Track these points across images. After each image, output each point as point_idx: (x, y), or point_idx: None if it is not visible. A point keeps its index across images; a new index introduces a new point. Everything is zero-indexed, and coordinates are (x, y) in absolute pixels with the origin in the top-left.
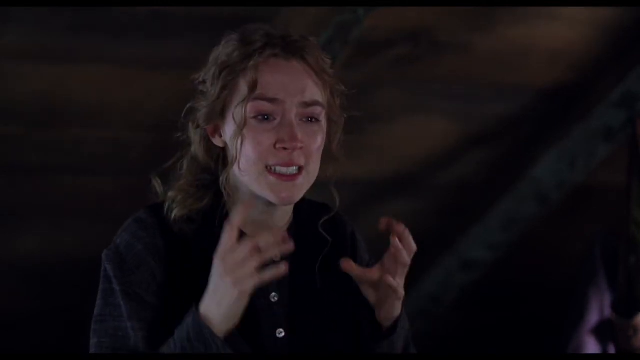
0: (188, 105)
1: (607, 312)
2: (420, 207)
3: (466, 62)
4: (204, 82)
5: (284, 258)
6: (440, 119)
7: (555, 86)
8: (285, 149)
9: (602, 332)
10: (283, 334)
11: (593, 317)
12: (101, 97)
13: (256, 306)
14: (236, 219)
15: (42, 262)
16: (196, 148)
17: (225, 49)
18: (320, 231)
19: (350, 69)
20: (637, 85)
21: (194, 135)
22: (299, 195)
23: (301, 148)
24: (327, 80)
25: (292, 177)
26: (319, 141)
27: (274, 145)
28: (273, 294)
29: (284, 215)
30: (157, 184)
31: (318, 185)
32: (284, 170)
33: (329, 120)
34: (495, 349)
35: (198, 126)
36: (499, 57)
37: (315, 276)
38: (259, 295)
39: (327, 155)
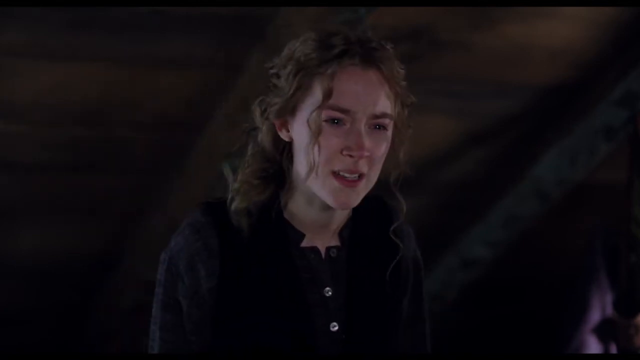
0: (260, 99)
1: (609, 310)
2: (421, 205)
3: (467, 61)
4: (278, 76)
5: (340, 253)
6: (441, 116)
7: (556, 84)
8: (351, 156)
9: (604, 331)
10: (337, 327)
11: (594, 316)
12: (101, 96)
13: (309, 300)
14: None
15: (42, 260)
16: (263, 138)
17: (303, 47)
18: (392, 237)
19: None
20: (638, 84)
21: (262, 126)
22: (356, 201)
23: (367, 156)
24: (399, 92)
25: (353, 183)
26: (383, 149)
27: (341, 152)
28: (327, 288)
29: (341, 216)
30: (227, 171)
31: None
32: (347, 175)
33: (395, 128)
34: (496, 346)
35: (267, 118)
36: (499, 56)
37: (370, 271)
38: (312, 290)
39: (392, 162)
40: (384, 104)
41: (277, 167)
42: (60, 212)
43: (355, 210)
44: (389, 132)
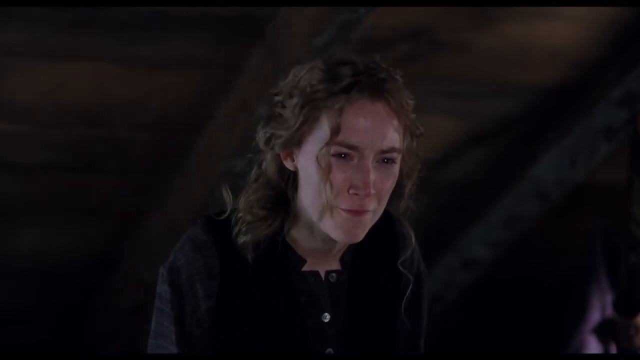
0: (265, 131)
1: (609, 311)
2: (421, 205)
3: (467, 61)
4: (283, 105)
5: (340, 277)
6: (441, 116)
7: (556, 84)
8: (357, 194)
9: (604, 331)
10: (332, 352)
11: (594, 316)
12: (101, 96)
13: (307, 325)
14: None
15: (42, 260)
16: (267, 167)
17: (309, 77)
18: (400, 269)
19: None
20: (638, 84)
21: (267, 154)
22: (362, 234)
23: (373, 194)
24: (408, 124)
25: (359, 214)
26: (390, 184)
27: (348, 190)
28: (325, 314)
29: (344, 245)
30: (227, 195)
31: None
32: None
33: (403, 160)
34: (496, 346)
35: (272, 148)
36: (499, 56)
37: (370, 296)
38: (311, 315)
39: (400, 194)
40: (393, 138)
41: (281, 195)
42: (60, 212)
43: None
44: (397, 165)
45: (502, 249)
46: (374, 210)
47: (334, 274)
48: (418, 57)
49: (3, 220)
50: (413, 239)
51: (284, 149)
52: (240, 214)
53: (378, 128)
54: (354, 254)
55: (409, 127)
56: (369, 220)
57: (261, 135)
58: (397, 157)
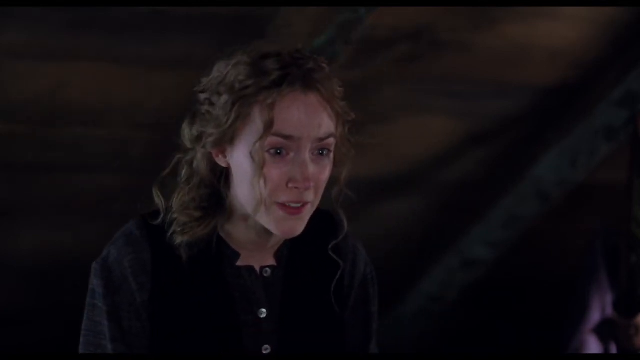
0: (193, 125)
1: (609, 311)
2: (421, 206)
3: (467, 61)
4: (211, 103)
5: (276, 272)
6: (441, 117)
7: (556, 84)
8: (296, 187)
9: (604, 331)
10: (269, 350)
11: (594, 316)
12: (101, 96)
13: (241, 321)
14: None
15: (42, 260)
16: (199, 164)
17: (236, 72)
18: (331, 254)
19: (351, 68)
20: (638, 84)
21: (197, 152)
22: (301, 228)
23: (312, 186)
24: (340, 112)
25: (298, 210)
26: (327, 174)
27: (286, 184)
28: (262, 309)
29: (279, 238)
30: (157, 196)
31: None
32: (292, 204)
33: (336, 147)
34: (496, 346)
35: (204, 147)
36: (499, 56)
37: (307, 292)
38: (246, 311)
39: (332, 180)
40: (328, 125)
41: (215, 193)
42: (60, 212)
43: None
44: (332, 155)
45: (502, 249)
46: (312, 203)
47: (268, 269)
48: (418, 57)
49: (3, 220)
50: (346, 225)
51: (216, 146)
52: (174, 215)
53: (313, 117)
54: (290, 249)
55: (341, 114)
56: (308, 213)
57: (188, 134)
58: (333, 143)
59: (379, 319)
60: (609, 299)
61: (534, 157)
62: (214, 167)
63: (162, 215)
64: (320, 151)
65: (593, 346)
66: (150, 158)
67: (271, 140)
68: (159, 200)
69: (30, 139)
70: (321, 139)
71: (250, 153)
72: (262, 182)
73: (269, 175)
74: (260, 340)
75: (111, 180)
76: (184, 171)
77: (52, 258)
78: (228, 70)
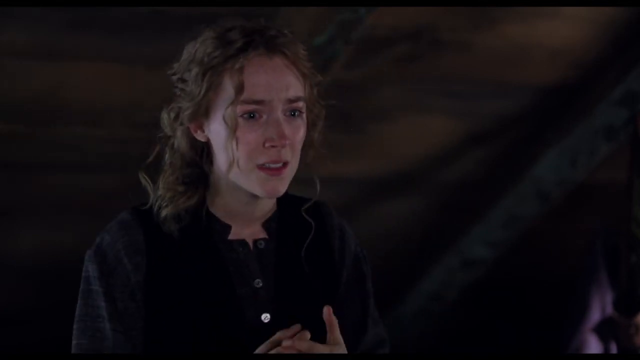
0: (171, 106)
1: (609, 310)
2: (421, 206)
3: (467, 61)
4: (183, 80)
5: (268, 245)
6: (442, 117)
7: (556, 84)
8: (274, 146)
9: (604, 330)
10: (269, 318)
11: (594, 316)
12: (101, 95)
13: (238, 293)
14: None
15: (42, 260)
16: (179, 143)
17: (204, 48)
18: (304, 215)
19: (351, 67)
20: (638, 84)
21: (177, 132)
22: (284, 187)
23: (288, 144)
24: (307, 73)
25: (278, 171)
26: (301, 134)
27: (263, 144)
28: (257, 280)
29: (266, 206)
30: (144, 178)
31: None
32: (272, 165)
33: (308, 110)
34: (496, 346)
35: (182, 124)
36: (499, 56)
37: (299, 262)
38: (241, 283)
39: (307, 144)
40: (296, 87)
41: (198, 170)
42: (60, 212)
43: (280, 202)
44: (304, 115)
45: (502, 249)
46: (290, 162)
47: (262, 242)
48: (418, 57)
49: (3, 220)
50: (318, 189)
51: (193, 120)
52: (159, 193)
53: (280, 80)
54: (278, 222)
55: (308, 76)
56: (288, 173)
57: (166, 118)
58: (303, 106)
59: (379, 318)
60: (609, 298)
61: (534, 157)
62: (193, 143)
63: (151, 199)
64: (292, 112)
65: (593, 346)
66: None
67: (243, 106)
68: (145, 182)
69: (30, 139)
70: (290, 100)
71: (224, 117)
72: (234, 144)
73: (246, 138)
74: (259, 310)
75: (111, 180)
76: (167, 155)
77: (52, 258)
78: (196, 47)
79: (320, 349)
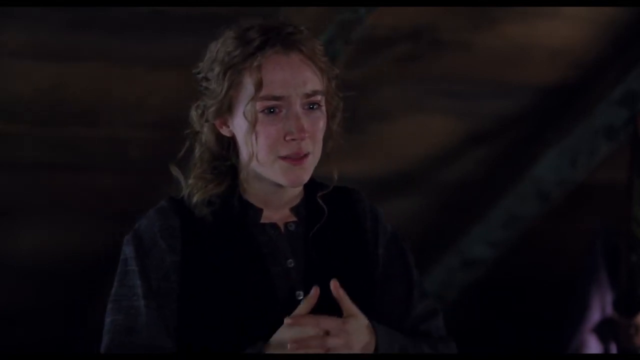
0: (196, 104)
1: (609, 310)
2: (421, 205)
3: (467, 61)
4: (207, 79)
5: (298, 227)
6: (442, 117)
7: (556, 84)
8: (293, 139)
9: (604, 330)
10: (302, 296)
11: (595, 316)
12: (101, 95)
13: (271, 272)
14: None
15: (42, 260)
16: (207, 139)
17: (224, 47)
18: (323, 201)
19: (351, 68)
20: (638, 84)
21: (203, 129)
22: (307, 177)
23: (308, 137)
24: (324, 68)
25: (300, 161)
26: (321, 125)
27: (284, 138)
28: (289, 260)
29: (293, 192)
30: (175, 171)
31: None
32: (294, 157)
33: (327, 102)
34: (497, 346)
35: (207, 120)
36: (500, 56)
37: (329, 243)
38: (274, 263)
39: (326, 135)
40: (313, 81)
41: (227, 163)
42: (60, 212)
43: (307, 188)
44: (323, 108)
45: (502, 249)
46: (312, 152)
47: (292, 224)
48: (418, 57)
49: (3, 220)
50: (336, 175)
51: (217, 116)
52: (191, 182)
53: (297, 75)
54: (306, 207)
55: (325, 70)
56: (310, 163)
57: (194, 115)
58: (321, 99)
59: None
60: (609, 298)
61: (534, 157)
62: (219, 138)
63: (184, 190)
64: (311, 105)
65: (593, 346)
66: (150, 157)
67: (262, 102)
68: (177, 174)
69: (30, 139)
70: (308, 95)
71: (244, 113)
72: (254, 138)
73: (267, 132)
74: (292, 288)
75: (111, 180)
76: (196, 150)
77: (52, 258)
78: (218, 47)
79: (333, 323)
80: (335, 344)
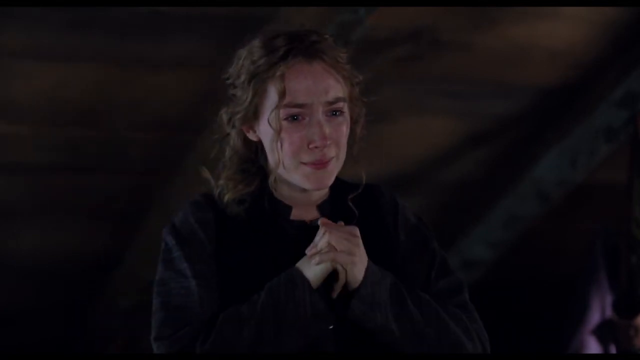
0: (223, 110)
1: (608, 312)
2: (421, 206)
3: (467, 61)
4: (234, 86)
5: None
6: (442, 117)
7: (556, 85)
8: (317, 147)
9: (604, 332)
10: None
11: (594, 317)
12: (101, 96)
13: None
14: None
15: (42, 260)
16: (235, 143)
17: (250, 56)
18: (350, 205)
19: None
20: (638, 84)
21: (232, 133)
22: (330, 181)
23: (330, 143)
24: (346, 76)
25: (324, 165)
26: (344, 131)
27: (307, 145)
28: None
29: (321, 193)
30: (205, 172)
31: None
32: (317, 163)
33: (350, 108)
34: (496, 347)
35: (234, 126)
36: (500, 56)
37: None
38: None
39: (352, 138)
40: (335, 89)
41: (254, 165)
42: (60, 213)
43: (332, 187)
44: (346, 114)
45: (503, 249)
46: (336, 156)
47: (317, 221)
48: (418, 58)
49: (3, 220)
50: (364, 178)
51: (244, 123)
52: (221, 182)
53: (319, 83)
54: (332, 205)
55: (347, 77)
56: (334, 166)
57: (224, 118)
58: (344, 106)
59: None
60: (608, 300)
61: (534, 158)
62: (247, 142)
63: (215, 190)
64: (334, 113)
65: (593, 347)
66: (150, 158)
67: (286, 110)
68: (207, 175)
69: (30, 139)
70: (330, 103)
71: (268, 121)
72: (279, 145)
73: (291, 139)
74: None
75: (111, 181)
76: (226, 152)
77: (52, 258)
78: (245, 55)
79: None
80: (358, 242)
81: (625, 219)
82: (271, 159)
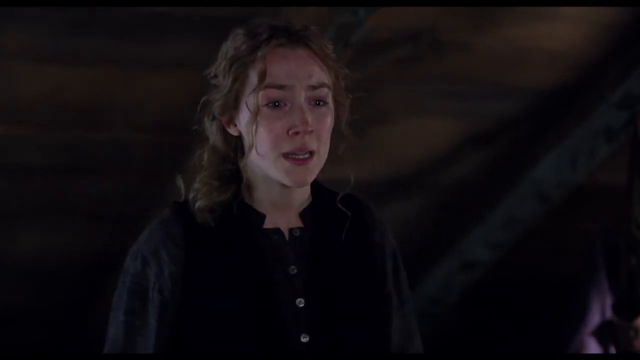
0: (203, 99)
1: (608, 313)
2: (421, 207)
3: (467, 62)
4: (215, 76)
5: (304, 233)
6: (442, 118)
7: (556, 86)
8: (297, 133)
9: (603, 333)
10: (303, 303)
11: (594, 318)
12: (102, 97)
13: (273, 279)
14: None
15: (42, 260)
16: (214, 139)
17: (233, 43)
18: (339, 206)
19: (351, 69)
20: (638, 86)
21: (211, 127)
22: (311, 177)
23: (312, 132)
24: (331, 65)
25: (304, 161)
26: (328, 123)
27: (287, 132)
28: (292, 267)
29: (301, 196)
30: (180, 183)
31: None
32: (298, 155)
33: (336, 101)
34: (497, 347)
35: (214, 118)
36: (500, 57)
37: (335, 251)
38: (276, 269)
39: (337, 135)
40: (319, 74)
41: (233, 167)
42: (60, 213)
43: (315, 193)
44: (330, 105)
45: (502, 250)
46: (317, 151)
47: (297, 230)
48: (418, 58)
49: (3, 220)
50: (352, 180)
51: (223, 112)
52: (196, 185)
53: (302, 67)
54: (313, 211)
55: (333, 68)
56: (315, 164)
57: (202, 110)
58: (328, 94)
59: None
60: (608, 300)
61: (534, 158)
62: (226, 137)
63: (190, 194)
64: (317, 102)
65: (592, 348)
66: (150, 160)
67: (268, 93)
68: (179, 183)
69: (31, 140)
70: (314, 87)
71: (246, 103)
72: (254, 128)
73: (271, 126)
74: (294, 295)
75: (111, 182)
76: (205, 155)
77: (52, 258)
78: (227, 45)
79: None
80: None
81: (625, 219)
82: (246, 146)
